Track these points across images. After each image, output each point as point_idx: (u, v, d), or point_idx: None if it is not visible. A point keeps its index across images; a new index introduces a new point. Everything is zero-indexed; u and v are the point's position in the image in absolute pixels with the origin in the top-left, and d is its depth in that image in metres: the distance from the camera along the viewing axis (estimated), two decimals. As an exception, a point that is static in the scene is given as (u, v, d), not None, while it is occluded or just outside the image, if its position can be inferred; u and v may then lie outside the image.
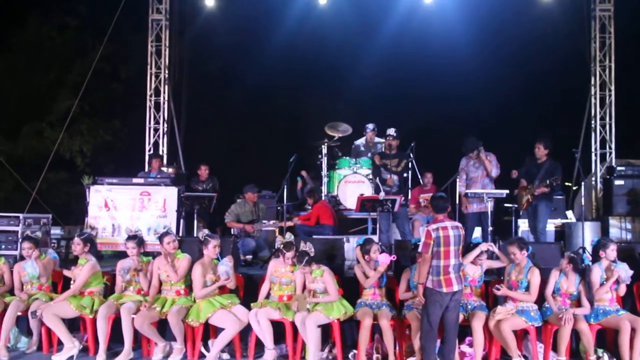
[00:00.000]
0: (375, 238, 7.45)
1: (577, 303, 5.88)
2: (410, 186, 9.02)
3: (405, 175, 8.57)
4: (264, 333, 6.00)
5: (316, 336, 5.88)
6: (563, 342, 5.71)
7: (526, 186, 8.13)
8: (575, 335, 5.90)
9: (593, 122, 11.13)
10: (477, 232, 8.39)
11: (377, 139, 9.95)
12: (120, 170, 11.18)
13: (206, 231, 6.56)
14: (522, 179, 8.21)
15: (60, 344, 6.28)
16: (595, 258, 6.13)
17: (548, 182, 7.80)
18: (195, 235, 8.53)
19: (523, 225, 9.01)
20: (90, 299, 6.32)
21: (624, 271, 5.92)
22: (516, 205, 8.34)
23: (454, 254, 5.39)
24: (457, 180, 8.32)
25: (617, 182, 9.70)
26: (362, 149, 10.08)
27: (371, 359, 6.01)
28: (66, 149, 14.56)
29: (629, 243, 8.07)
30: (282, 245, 6.38)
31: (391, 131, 8.46)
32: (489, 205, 7.90)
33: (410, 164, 8.72)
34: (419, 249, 5.52)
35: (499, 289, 5.94)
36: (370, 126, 9.93)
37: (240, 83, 14.27)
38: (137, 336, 6.24)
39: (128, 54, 14.44)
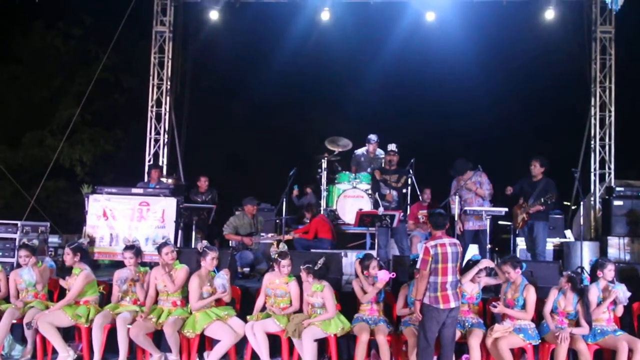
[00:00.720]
0: (374, 253, 7.43)
1: (575, 323, 5.87)
2: (409, 202, 9.03)
3: (404, 191, 8.57)
4: (260, 346, 5.97)
5: (312, 350, 5.85)
6: (559, 360, 5.68)
7: (521, 204, 8.15)
8: (573, 354, 5.87)
9: (592, 142, 11.16)
10: (475, 250, 8.37)
11: (378, 151, 10.00)
12: (120, 180, 11.20)
13: (205, 242, 6.54)
14: (521, 198, 8.22)
15: (54, 352, 6.24)
16: (594, 278, 6.12)
17: (542, 200, 7.83)
18: (193, 246, 8.53)
19: (521, 243, 9.00)
20: (86, 308, 6.30)
21: (622, 292, 5.91)
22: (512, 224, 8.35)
23: (451, 270, 5.39)
24: (450, 202, 8.29)
25: (616, 203, 9.69)
26: (362, 159, 10.10)
27: (367, 375, 5.99)
28: (66, 157, 14.59)
29: (627, 264, 8.04)
30: (277, 255, 6.38)
31: (392, 147, 8.45)
32: (487, 223, 7.92)
33: (409, 180, 8.72)
34: (417, 265, 5.52)
35: (496, 307, 5.93)
36: (374, 138, 9.96)
37: (242, 96, 14.34)
38: (132, 346, 6.19)
39: (131, 64, 14.53)
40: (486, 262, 6.19)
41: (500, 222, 9.08)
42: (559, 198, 8.62)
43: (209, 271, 6.33)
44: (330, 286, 6.19)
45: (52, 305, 6.42)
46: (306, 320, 6.01)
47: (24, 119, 15.24)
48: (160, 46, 11.83)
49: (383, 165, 8.86)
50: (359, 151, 10.24)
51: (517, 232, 8.56)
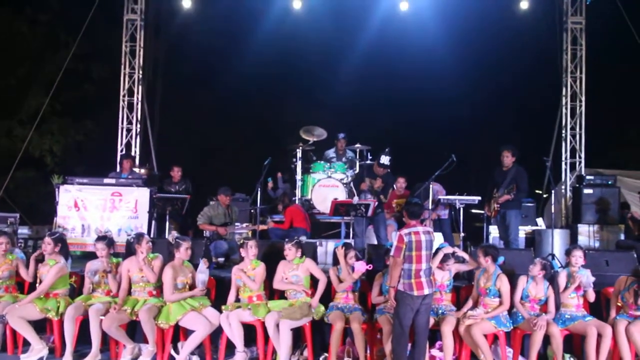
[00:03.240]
0: (351, 242, 7.46)
1: (545, 307, 5.98)
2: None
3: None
4: (235, 335, 5.95)
5: (288, 340, 5.85)
6: (535, 347, 5.76)
7: (494, 194, 8.26)
8: (543, 340, 5.97)
9: (564, 131, 11.32)
10: (440, 238, 8.46)
11: (347, 148, 10.07)
12: (91, 170, 11.02)
13: (175, 233, 6.49)
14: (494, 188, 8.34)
15: (25, 344, 6.15)
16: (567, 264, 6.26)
17: (506, 190, 7.96)
18: (167, 237, 8.45)
19: (494, 231, 9.12)
20: (56, 301, 6.18)
21: (586, 277, 6.03)
22: (487, 213, 8.46)
23: (425, 258, 5.44)
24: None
25: (586, 191, 9.88)
26: (332, 155, 10.13)
27: (342, 363, 6.01)
28: (36, 147, 14.31)
29: (596, 250, 8.20)
30: (242, 240, 6.41)
31: (385, 160, 8.09)
32: (447, 212, 8.32)
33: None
34: (391, 253, 5.55)
35: (475, 315, 5.93)
36: (341, 135, 10.01)
37: (215, 86, 14.23)
38: (106, 338, 6.12)
39: (101, 53, 14.25)
40: (445, 250, 6.23)
41: (473, 211, 9.16)
42: (531, 186, 8.72)
43: (182, 261, 6.27)
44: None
45: (22, 297, 6.30)
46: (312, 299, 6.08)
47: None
48: (131, 34, 11.62)
49: (374, 173, 8.52)
50: (329, 151, 10.25)
51: (490, 221, 8.67)
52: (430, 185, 8.48)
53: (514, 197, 8.06)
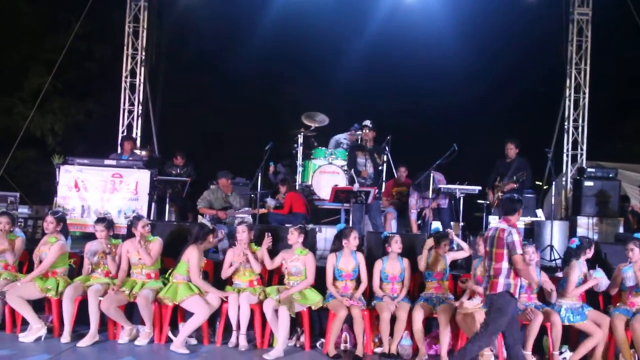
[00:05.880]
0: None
1: (538, 294, 6.05)
2: (384, 179, 9.05)
3: (380, 168, 8.60)
4: (243, 318, 5.99)
5: (287, 325, 5.88)
6: (531, 337, 5.79)
7: (497, 184, 8.27)
8: (540, 330, 5.98)
9: (566, 123, 11.29)
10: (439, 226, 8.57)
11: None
12: (92, 151, 10.99)
13: (202, 219, 6.60)
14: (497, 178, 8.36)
15: (24, 323, 6.17)
16: (567, 258, 6.20)
17: (515, 177, 7.99)
18: (167, 219, 8.51)
19: (493, 221, 9.11)
20: (55, 280, 6.20)
21: (604, 279, 6.05)
22: (487, 202, 8.46)
23: (488, 255, 5.14)
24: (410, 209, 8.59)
25: (587, 184, 9.87)
26: (343, 141, 10.06)
27: (339, 349, 6.04)
28: (37, 127, 14.24)
29: (595, 243, 8.20)
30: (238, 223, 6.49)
31: (367, 122, 8.37)
32: (447, 202, 8.34)
33: (385, 157, 8.77)
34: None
35: (464, 282, 6.00)
36: (358, 127, 9.92)
37: (219, 69, 14.15)
38: (104, 319, 6.14)
39: (104, 33, 14.15)
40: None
41: (477, 201, 9.17)
42: (532, 177, 8.75)
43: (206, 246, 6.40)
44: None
45: (22, 276, 6.31)
46: (285, 290, 6.09)
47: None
48: (135, 15, 11.55)
49: (359, 141, 8.82)
50: (340, 136, 10.17)
51: (491, 211, 8.68)
52: (432, 174, 8.46)
53: (519, 186, 8.07)
